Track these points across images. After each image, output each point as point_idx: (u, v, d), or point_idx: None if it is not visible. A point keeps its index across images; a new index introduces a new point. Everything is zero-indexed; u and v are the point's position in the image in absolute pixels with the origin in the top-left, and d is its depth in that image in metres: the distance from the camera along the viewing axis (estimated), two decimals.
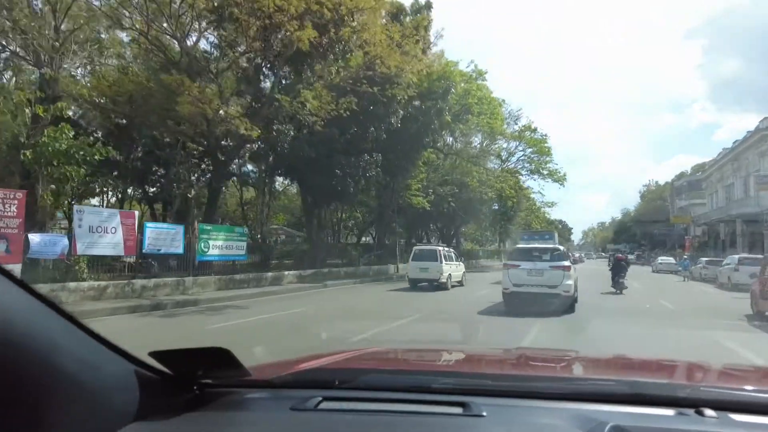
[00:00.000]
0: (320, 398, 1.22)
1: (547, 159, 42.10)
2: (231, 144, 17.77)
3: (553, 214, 64.54)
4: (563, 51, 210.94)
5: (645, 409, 1.16)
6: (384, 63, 16.33)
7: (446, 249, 20.96)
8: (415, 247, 21.05)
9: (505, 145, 42.59)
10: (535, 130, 41.50)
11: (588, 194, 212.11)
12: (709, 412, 1.12)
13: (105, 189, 32.52)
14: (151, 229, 13.49)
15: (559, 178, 42.09)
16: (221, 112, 13.85)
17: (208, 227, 15.36)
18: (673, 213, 60.96)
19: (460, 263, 21.44)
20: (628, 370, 1.94)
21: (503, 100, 36.39)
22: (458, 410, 1.16)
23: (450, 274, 18.91)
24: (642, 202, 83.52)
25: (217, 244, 15.32)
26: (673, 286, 23.25)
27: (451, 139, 37.71)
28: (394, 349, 2.59)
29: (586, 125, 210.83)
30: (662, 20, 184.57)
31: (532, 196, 48.72)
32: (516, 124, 41.35)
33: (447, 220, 40.81)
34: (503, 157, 42.98)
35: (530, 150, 42.54)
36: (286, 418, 1.18)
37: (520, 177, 44.03)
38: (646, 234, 68.03)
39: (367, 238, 38.40)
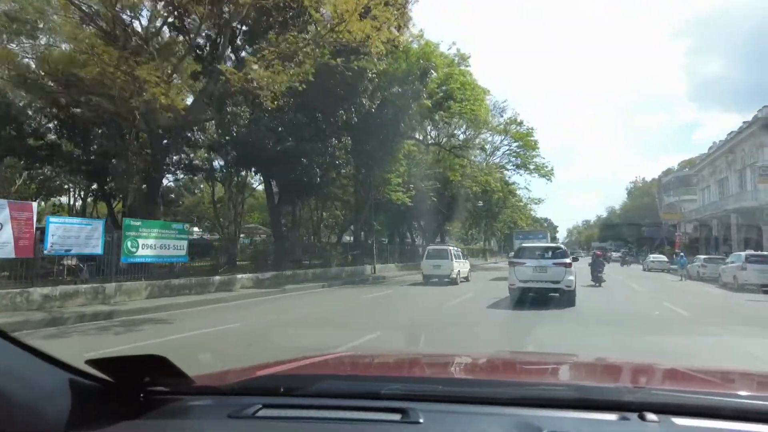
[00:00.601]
0: (260, 406, 1.20)
1: (534, 153, 40.09)
2: (168, 128, 15.21)
3: (539, 211, 62.66)
4: (548, 47, 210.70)
5: (588, 414, 1.14)
6: (349, 31, 13.95)
7: (455, 249, 23.06)
8: (429, 247, 23.15)
9: (489, 139, 40.57)
10: (521, 123, 39.46)
11: (572, 192, 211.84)
12: (650, 416, 1.11)
13: (77, 187, 30.03)
14: (56, 224, 10.90)
15: (546, 173, 40.03)
16: (137, 77, 11.25)
17: (136, 222, 12.77)
18: (662, 210, 59.52)
19: (467, 261, 23.58)
20: (580, 373, 1.97)
21: (488, 90, 34.33)
22: (397, 417, 1.14)
23: (459, 271, 20.57)
24: (629, 199, 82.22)
25: (148, 243, 12.74)
26: (672, 287, 21.60)
27: (433, 131, 35.56)
28: (352, 354, 2.49)
29: (569, 123, 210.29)
30: (650, 19, 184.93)
31: (519, 192, 46.77)
32: (501, 116, 39.36)
33: (430, 217, 38.80)
34: (488, 151, 40.96)
35: (516, 144, 40.53)
36: (221, 426, 1.17)
37: (506, 172, 42.14)
38: (634, 231, 66.55)
39: (351, 238, 36.36)
